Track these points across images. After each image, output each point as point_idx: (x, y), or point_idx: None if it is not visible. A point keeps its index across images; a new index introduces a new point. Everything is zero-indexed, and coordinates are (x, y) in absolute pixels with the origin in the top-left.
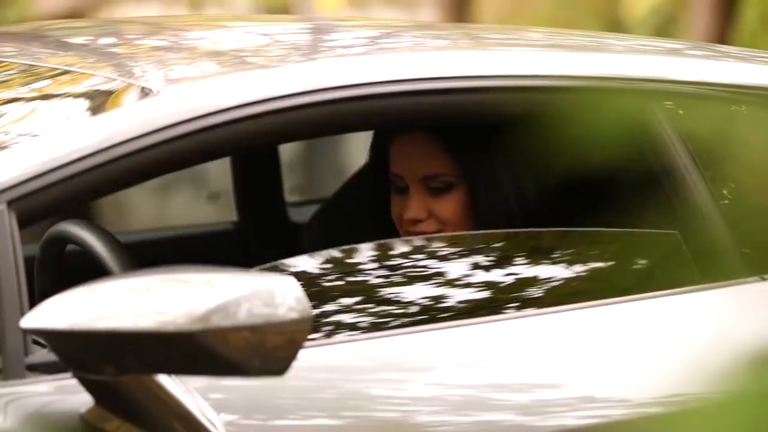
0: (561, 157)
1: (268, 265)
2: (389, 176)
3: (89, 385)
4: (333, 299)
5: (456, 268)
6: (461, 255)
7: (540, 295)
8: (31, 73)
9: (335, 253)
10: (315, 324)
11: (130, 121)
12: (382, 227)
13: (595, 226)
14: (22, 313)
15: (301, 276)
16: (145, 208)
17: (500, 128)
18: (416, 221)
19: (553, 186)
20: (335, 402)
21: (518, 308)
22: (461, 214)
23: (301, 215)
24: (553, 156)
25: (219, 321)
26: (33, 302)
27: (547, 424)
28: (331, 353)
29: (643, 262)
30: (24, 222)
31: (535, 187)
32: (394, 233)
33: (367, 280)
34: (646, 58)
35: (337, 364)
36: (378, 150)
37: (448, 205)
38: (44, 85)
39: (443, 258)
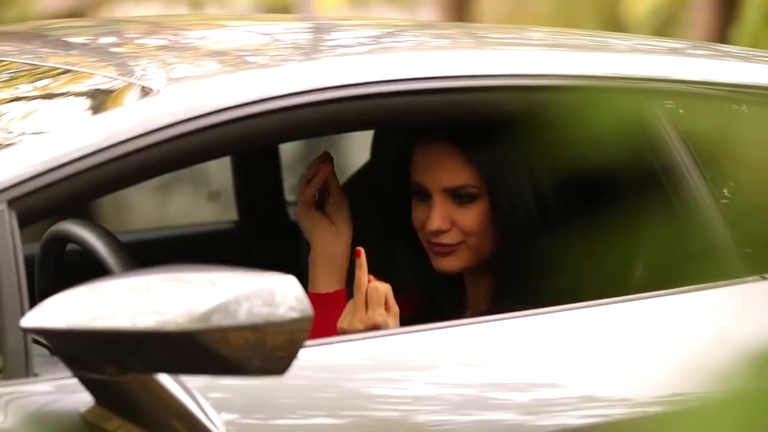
0: (563, 157)
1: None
2: (410, 183)
3: (90, 385)
4: None
5: None
6: None
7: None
8: (32, 73)
9: None
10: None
11: (131, 121)
12: (393, 231)
13: (594, 227)
14: (22, 313)
15: None
16: (145, 208)
17: (516, 133)
18: (439, 232)
19: (563, 187)
20: (335, 401)
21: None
22: (484, 224)
23: None
24: (555, 156)
25: (219, 320)
26: (33, 302)
27: (547, 423)
28: (331, 353)
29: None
30: (24, 221)
31: (550, 190)
32: (406, 237)
33: None
34: (647, 57)
35: (337, 363)
36: (398, 157)
37: (472, 216)
38: (45, 85)
39: None
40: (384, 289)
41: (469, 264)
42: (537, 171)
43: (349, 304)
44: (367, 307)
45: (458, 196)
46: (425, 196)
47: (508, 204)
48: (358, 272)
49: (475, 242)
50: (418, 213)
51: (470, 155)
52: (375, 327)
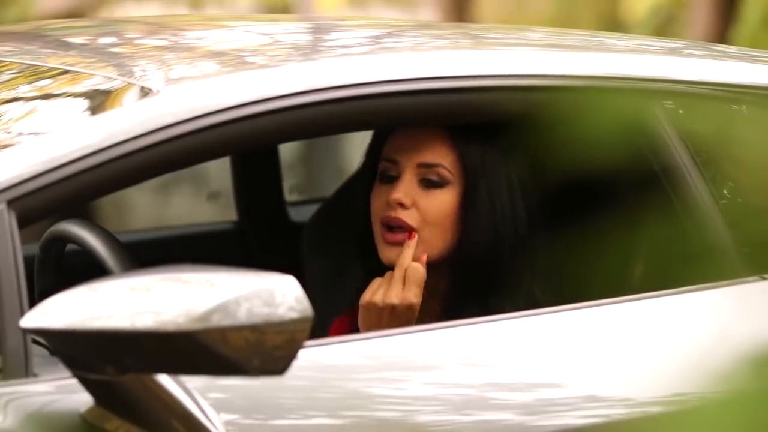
0: (562, 157)
1: None
2: (380, 162)
3: (89, 385)
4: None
5: None
6: None
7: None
8: (31, 73)
9: None
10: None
11: (131, 121)
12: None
13: (594, 227)
14: (22, 313)
15: None
16: (145, 208)
17: (507, 131)
18: (400, 205)
19: (554, 189)
20: (335, 401)
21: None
22: (446, 215)
23: (301, 215)
24: (554, 157)
25: (219, 320)
26: (32, 302)
27: (548, 423)
28: (331, 353)
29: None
30: (24, 221)
31: (533, 190)
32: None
33: None
34: (646, 57)
35: (338, 363)
36: (377, 135)
37: (436, 203)
38: (44, 85)
39: None
40: (424, 272)
41: (418, 258)
42: (519, 173)
43: (380, 281)
44: (404, 285)
45: (428, 179)
46: (391, 178)
47: (484, 199)
48: (406, 250)
49: (429, 234)
50: (379, 196)
51: (455, 142)
52: (409, 306)
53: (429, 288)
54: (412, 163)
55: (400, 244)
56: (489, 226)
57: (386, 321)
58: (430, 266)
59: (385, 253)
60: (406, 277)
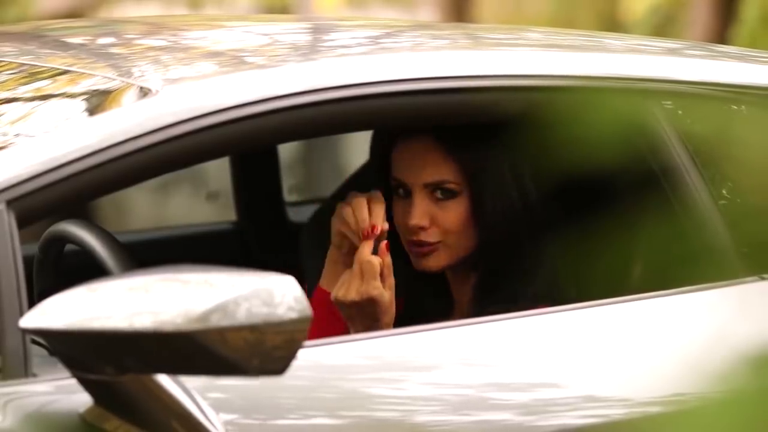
0: (561, 157)
1: None
2: (391, 181)
3: (89, 385)
4: None
5: None
6: None
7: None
8: (30, 73)
9: None
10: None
11: (130, 121)
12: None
13: (594, 227)
14: (22, 313)
15: None
16: (145, 208)
17: (502, 131)
18: (419, 228)
19: (555, 187)
20: (335, 402)
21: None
22: (464, 222)
23: (300, 215)
24: (553, 157)
25: (218, 321)
26: (32, 302)
27: (547, 423)
28: (331, 353)
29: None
30: (23, 222)
31: (537, 190)
32: (393, 236)
33: None
34: (645, 57)
35: (337, 363)
36: (380, 154)
37: (452, 214)
38: (43, 85)
39: None
40: (379, 262)
41: (449, 263)
42: (522, 171)
43: (346, 274)
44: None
45: (438, 192)
46: (405, 194)
47: (490, 202)
48: (363, 246)
49: (454, 241)
50: (399, 211)
51: (452, 152)
52: (370, 299)
53: (461, 280)
54: (419, 184)
55: (429, 254)
56: (503, 219)
57: (357, 316)
58: (461, 263)
59: (418, 264)
60: (362, 272)
